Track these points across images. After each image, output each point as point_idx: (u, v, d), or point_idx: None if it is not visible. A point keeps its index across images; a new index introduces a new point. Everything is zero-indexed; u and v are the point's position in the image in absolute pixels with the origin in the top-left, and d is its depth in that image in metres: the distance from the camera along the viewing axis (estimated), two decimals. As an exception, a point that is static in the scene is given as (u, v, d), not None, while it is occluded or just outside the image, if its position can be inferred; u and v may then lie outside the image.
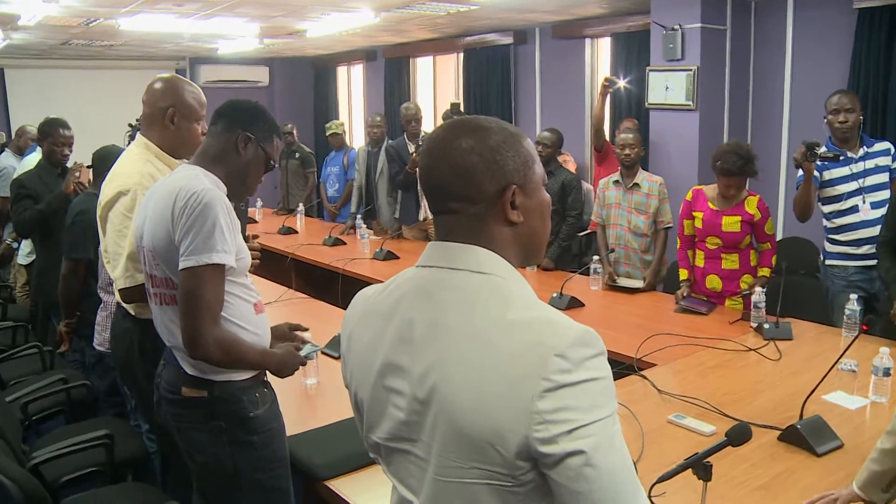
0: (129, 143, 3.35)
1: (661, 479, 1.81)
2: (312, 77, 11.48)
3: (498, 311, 1.13)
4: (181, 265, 2.00)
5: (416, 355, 1.16)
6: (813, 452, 2.31)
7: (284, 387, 2.44)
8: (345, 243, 6.13)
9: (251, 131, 2.20)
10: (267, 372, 2.26)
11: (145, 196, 2.26)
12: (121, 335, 2.69)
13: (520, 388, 1.06)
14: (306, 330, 2.53)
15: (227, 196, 2.13)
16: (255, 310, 2.20)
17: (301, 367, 2.40)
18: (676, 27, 5.72)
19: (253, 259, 2.34)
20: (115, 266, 2.51)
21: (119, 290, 2.55)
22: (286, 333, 2.45)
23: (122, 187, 2.51)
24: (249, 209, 7.65)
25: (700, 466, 1.79)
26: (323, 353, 3.20)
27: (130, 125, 4.50)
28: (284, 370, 2.27)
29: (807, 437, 2.34)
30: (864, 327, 2.36)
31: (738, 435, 1.87)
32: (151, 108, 2.61)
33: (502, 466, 1.09)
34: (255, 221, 7.40)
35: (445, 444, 1.12)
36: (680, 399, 2.76)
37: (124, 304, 2.60)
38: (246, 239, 2.53)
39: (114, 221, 2.52)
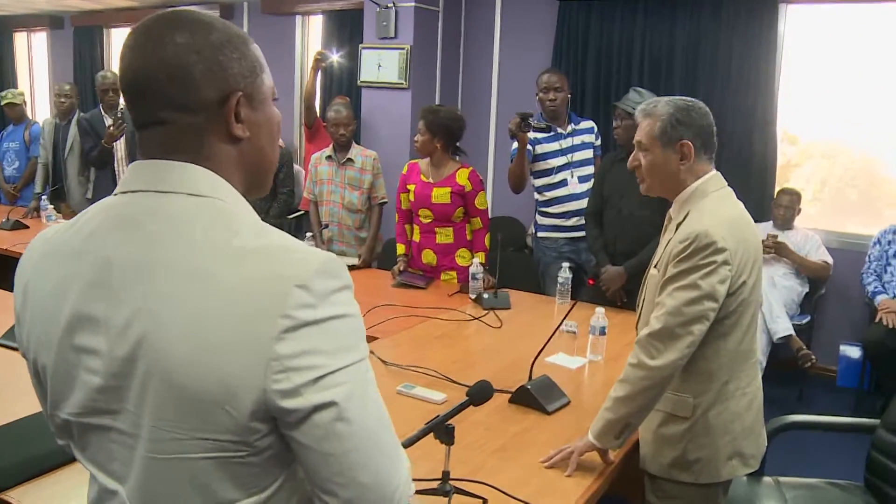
0: None
1: (404, 446, 1.60)
2: (-19, 41, 9.96)
3: (221, 239, 0.91)
4: None
5: (116, 301, 0.91)
6: (544, 411, 2.30)
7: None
8: (27, 227, 5.32)
9: None
10: None
11: None
12: None
13: (253, 329, 0.86)
14: None
15: None
16: None
17: None
18: (390, 5, 5.65)
19: None
20: None
21: None
22: None
23: None
24: None
25: (442, 430, 1.71)
26: None
27: None
28: None
29: (537, 396, 2.32)
30: (591, 281, 2.34)
31: (480, 393, 1.81)
32: None
33: (233, 433, 0.88)
34: None
35: (160, 411, 0.89)
36: (407, 370, 2.60)
37: None
38: None
39: None
